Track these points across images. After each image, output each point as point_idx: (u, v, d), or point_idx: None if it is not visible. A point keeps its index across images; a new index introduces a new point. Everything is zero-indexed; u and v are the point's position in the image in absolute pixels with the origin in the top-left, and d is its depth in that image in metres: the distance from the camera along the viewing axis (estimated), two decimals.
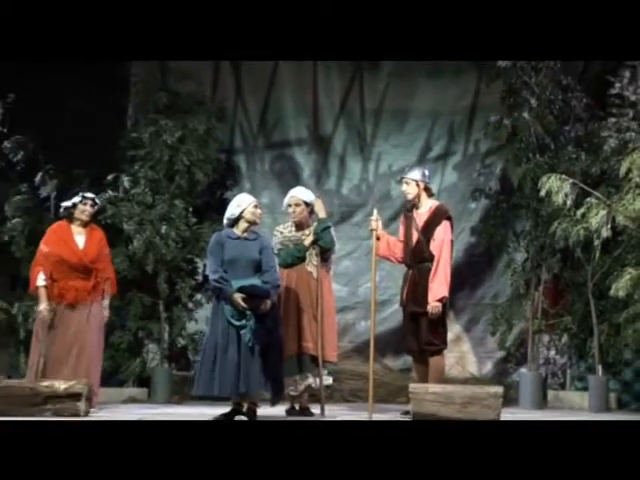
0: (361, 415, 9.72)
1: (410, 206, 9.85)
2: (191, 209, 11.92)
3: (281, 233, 9.87)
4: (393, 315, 12.52)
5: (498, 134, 11.94)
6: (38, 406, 9.37)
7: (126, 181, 11.79)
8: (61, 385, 9.50)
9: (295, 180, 12.69)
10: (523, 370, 11.85)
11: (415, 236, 9.71)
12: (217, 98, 12.87)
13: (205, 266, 12.20)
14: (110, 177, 11.78)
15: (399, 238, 9.92)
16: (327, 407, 9.81)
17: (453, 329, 12.64)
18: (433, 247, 9.60)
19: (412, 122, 13.03)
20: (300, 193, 9.88)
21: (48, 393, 9.43)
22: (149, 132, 11.91)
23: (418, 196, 9.77)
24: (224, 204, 12.43)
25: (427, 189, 9.81)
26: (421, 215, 9.74)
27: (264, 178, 13.00)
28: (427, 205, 9.75)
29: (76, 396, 9.47)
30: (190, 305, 12.04)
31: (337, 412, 10.09)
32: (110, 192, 11.72)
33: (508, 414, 9.53)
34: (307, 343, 9.57)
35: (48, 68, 11.15)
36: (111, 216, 11.55)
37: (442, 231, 9.61)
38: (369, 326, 12.41)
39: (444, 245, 9.60)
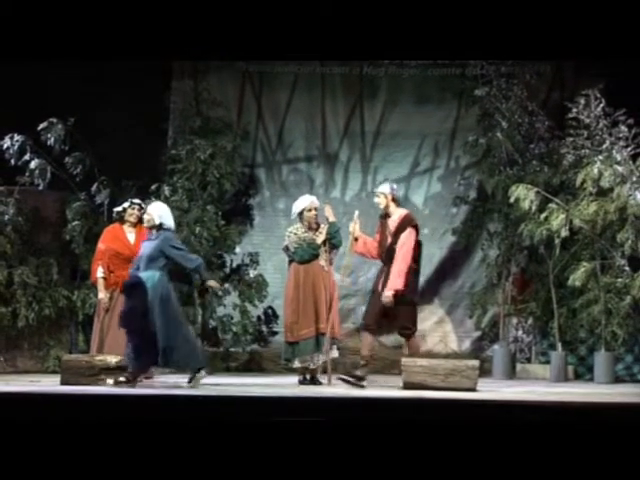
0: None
1: (384, 214, 9.82)
2: (220, 213, 11.89)
3: (295, 234, 9.89)
4: None
5: (475, 151, 11.91)
6: (93, 377, 9.35)
7: (166, 190, 11.76)
8: (112, 359, 9.48)
9: (307, 190, 12.65)
10: (496, 347, 11.79)
11: (388, 239, 9.69)
12: (242, 121, 12.82)
13: (232, 260, 12.27)
14: (153, 187, 11.76)
15: (375, 239, 9.92)
16: (332, 377, 9.77)
17: (437, 313, 12.65)
18: (397, 248, 9.57)
19: (403, 141, 12.96)
20: (309, 201, 10.03)
21: (101, 366, 9.41)
22: (185, 149, 11.88)
23: (387, 206, 9.74)
24: (247, 209, 12.59)
25: (395, 200, 9.79)
26: (392, 222, 9.71)
27: (281, 188, 12.96)
28: (397, 213, 9.72)
29: (125, 368, 9.44)
30: (219, 293, 11.99)
31: (340, 381, 10.02)
32: (153, 199, 11.68)
33: (483, 383, 9.48)
34: (323, 325, 9.69)
35: (103, 94, 11.17)
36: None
37: (406, 236, 9.57)
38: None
39: (405, 247, 9.53)
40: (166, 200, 11.65)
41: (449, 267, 12.68)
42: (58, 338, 11.54)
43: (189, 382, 9.31)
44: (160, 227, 9.32)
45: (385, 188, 9.79)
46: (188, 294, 11.71)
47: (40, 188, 11.37)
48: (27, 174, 11.30)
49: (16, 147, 11.17)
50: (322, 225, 9.94)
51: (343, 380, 9.51)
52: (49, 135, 11.28)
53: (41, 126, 11.25)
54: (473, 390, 8.95)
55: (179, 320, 9.31)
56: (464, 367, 9.15)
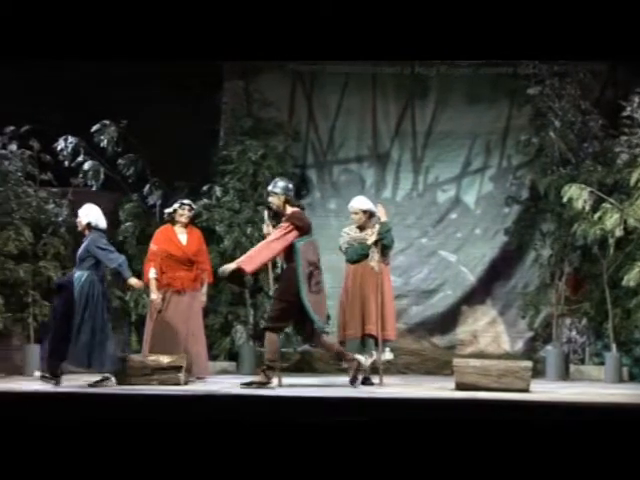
0: (414, 385, 9.67)
1: (278, 214, 9.58)
2: (271, 214, 11.89)
3: (347, 234, 9.92)
4: (440, 301, 12.53)
5: (527, 150, 11.86)
6: (146, 376, 9.43)
7: (218, 191, 11.82)
8: (165, 359, 9.54)
9: (357, 190, 12.66)
10: (549, 347, 11.70)
11: None
12: (293, 122, 12.82)
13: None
14: (205, 188, 11.83)
15: None
16: (384, 378, 9.76)
17: (490, 313, 12.56)
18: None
19: (455, 141, 12.89)
20: (357, 203, 10.05)
21: (154, 366, 9.48)
22: (237, 150, 11.93)
23: (280, 205, 9.45)
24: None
25: (288, 200, 9.44)
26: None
27: (332, 188, 12.94)
28: (288, 212, 9.44)
29: (177, 368, 9.50)
30: (270, 293, 12.00)
31: (392, 382, 10.02)
32: (205, 200, 11.76)
33: (536, 384, 9.40)
34: (371, 326, 9.64)
35: (155, 96, 11.23)
36: (206, 220, 11.59)
37: (280, 227, 9.30)
38: (419, 310, 12.51)
39: (272, 236, 9.28)
40: (218, 201, 11.78)
41: (501, 267, 12.61)
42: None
43: (92, 385, 9.27)
44: (89, 228, 9.50)
45: (278, 188, 9.48)
46: (239, 294, 11.77)
47: (93, 189, 11.46)
48: (81, 175, 11.40)
49: (70, 149, 11.28)
50: (376, 225, 9.89)
51: (245, 385, 9.24)
52: (102, 137, 11.38)
53: (94, 128, 11.35)
54: (526, 391, 8.89)
55: (100, 322, 9.36)
56: (517, 368, 9.10)
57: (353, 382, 9.36)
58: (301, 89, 13.00)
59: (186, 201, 10.33)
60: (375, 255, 9.80)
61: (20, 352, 10.95)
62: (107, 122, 11.35)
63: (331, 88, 12.97)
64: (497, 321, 12.60)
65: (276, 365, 9.32)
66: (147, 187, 11.70)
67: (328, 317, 9.44)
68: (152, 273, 10.05)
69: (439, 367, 11.66)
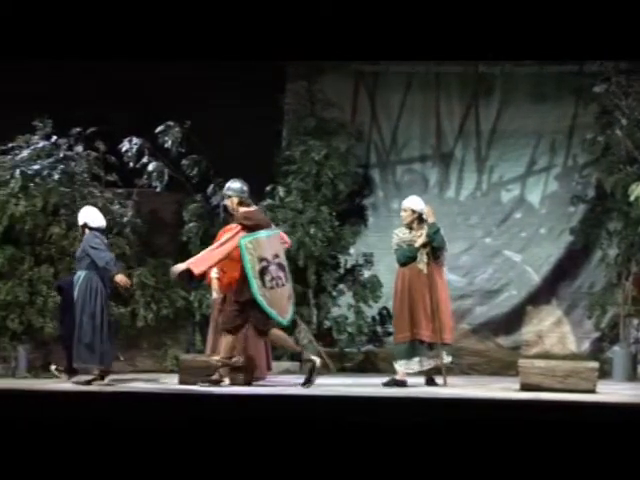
0: (478, 386, 9.61)
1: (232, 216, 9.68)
2: (334, 214, 11.92)
3: (397, 235, 9.82)
4: (504, 301, 12.44)
5: (593, 149, 11.75)
6: (209, 377, 9.44)
7: (281, 191, 11.84)
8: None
9: (421, 190, 12.64)
10: (616, 348, 11.57)
11: None
12: (356, 122, 12.80)
13: (346, 261, 12.28)
14: (268, 188, 11.86)
15: None
16: (448, 379, 9.71)
17: (555, 313, 12.43)
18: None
19: (519, 140, 12.79)
20: (408, 201, 9.95)
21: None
22: (300, 151, 11.95)
23: (234, 207, 9.53)
24: (362, 210, 12.56)
25: (241, 202, 9.50)
26: None
27: (395, 188, 12.90)
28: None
29: (239, 369, 9.52)
30: (334, 293, 12.07)
31: (456, 382, 9.97)
32: (269, 200, 11.79)
33: (603, 385, 9.30)
34: (423, 331, 9.51)
35: (218, 96, 11.27)
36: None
37: (229, 229, 9.48)
38: (484, 310, 12.43)
39: (222, 237, 9.44)
40: (281, 201, 11.80)
41: (567, 267, 12.48)
42: (176, 338, 11.71)
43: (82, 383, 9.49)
44: (85, 228, 9.80)
45: (230, 190, 9.58)
46: (302, 294, 11.79)
47: (158, 190, 11.55)
48: (145, 176, 11.49)
49: (134, 150, 11.36)
50: (425, 227, 9.78)
51: (202, 383, 9.29)
52: (166, 138, 11.45)
53: (158, 129, 11.42)
54: (592, 392, 8.79)
55: (100, 319, 9.59)
56: (583, 369, 9.01)
57: (305, 384, 9.25)
58: (364, 89, 12.99)
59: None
60: (424, 257, 9.64)
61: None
62: (171, 123, 11.42)
63: (394, 88, 12.93)
64: (563, 321, 12.47)
65: (229, 364, 9.41)
66: (211, 187, 11.75)
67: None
68: (213, 273, 10.07)
69: (504, 368, 11.56)
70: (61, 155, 11.15)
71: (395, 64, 12.66)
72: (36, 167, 11.00)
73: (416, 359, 9.53)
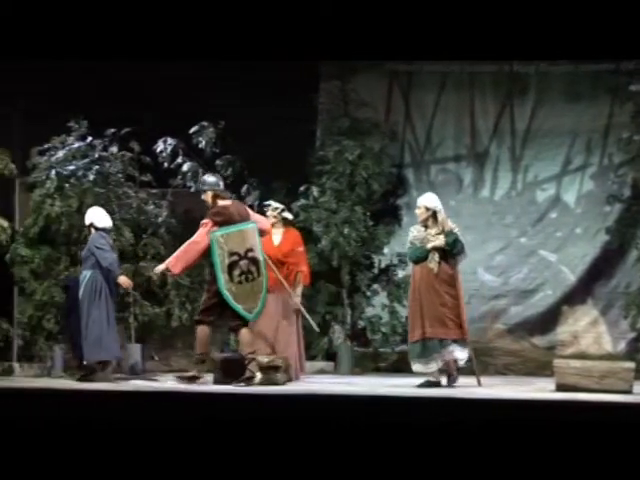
0: (513, 386, 9.57)
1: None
2: (368, 214, 11.91)
3: (412, 233, 9.76)
4: (540, 301, 12.38)
5: (629, 148, 11.71)
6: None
7: (315, 191, 11.85)
8: (264, 359, 9.58)
9: (455, 189, 12.63)
10: None
11: None
12: (390, 122, 12.78)
13: (380, 261, 12.26)
14: (302, 188, 11.88)
15: None
16: (483, 379, 9.67)
17: (591, 313, 12.37)
18: None
19: (554, 139, 12.73)
20: (422, 198, 9.86)
21: None
22: (333, 151, 11.95)
23: (210, 201, 9.69)
24: (396, 210, 12.52)
25: (217, 195, 9.68)
26: None
27: (429, 188, 12.80)
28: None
29: (276, 368, 9.53)
30: (368, 293, 12.05)
31: (491, 382, 9.93)
32: (302, 200, 11.80)
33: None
34: (430, 328, 9.40)
35: (252, 97, 11.28)
36: (303, 220, 11.62)
37: (204, 224, 9.58)
38: (519, 310, 12.38)
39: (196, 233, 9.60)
40: (315, 201, 11.80)
41: (603, 267, 12.41)
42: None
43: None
44: (92, 228, 10.13)
45: (206, 185, 9.77)
46: (336, 294, 11.79)
47: (192, 190, 11.57)
48: (179, 177, 11.51)
49: (169, 150, 11.39)
50: (445, 229, 9.61)
51: (178, 379, 9.50)
52: (200, 138, 11.47)
53: (193, 129, 11.45)
54: (629, 392, 8.73)
55: (106, 316, 9.94)
56: (619, 369, 8.95)
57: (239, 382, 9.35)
58: (398, 89, 12.97)
59: (269, 202, 10.45)
60: (435, 256, 9.51)
61: (122, 351, 11.09)
62: (205, 123, 11.44)
63: (428, 87, 12.91)
64: (598, 321, 12.40)
65: (207, 358, 9.53)
66: (245, 188, 11.75)
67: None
68: None
69: (539, 368, 11.53)
70: (96, 156, 11.21)
71: (429, 63, 12.63)
72: (71, 168, 11.06)
73: (431, 357, 9.43)
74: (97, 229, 10.12)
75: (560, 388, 8.93)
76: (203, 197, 9.82)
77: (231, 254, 9.43)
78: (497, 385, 9.85)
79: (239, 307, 9.42)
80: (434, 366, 9.47)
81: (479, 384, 9.58)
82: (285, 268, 10.24)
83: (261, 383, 9.35)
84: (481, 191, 12.83)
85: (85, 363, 10.09)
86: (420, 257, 9.57)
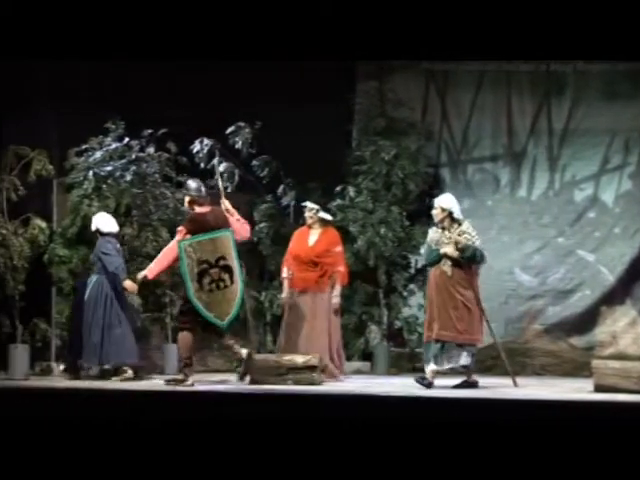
0: (550, 386, 9.53)
1: None
2: (405, 214, 11.88)
3: (429, 234, 9.68)
4: (578, 301, 12.28)
5: None
6: (281, 376, 9.50)
7: (351, 191, 11.84)
8: (300, 359, 9.60)
9: (492, 189, 12.58)
10: None
11: None
12: (426, 121, 12.74)
13: (417, 261, 12.22)
14: (338, 188, 11.87)
15: None
16: (520, 380, 9.62)
17: (630, 314, 12.23)
18: None
19: (592, 139, 12.65)
20: (439, 199, 9.78)
21: (289, 365, 9.56)
22: (370, 151, 11.93)
23: (188, 208, 9.82)
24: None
25: (192, 201, 9.72)
26: None
27: (466, 187, 12.82)
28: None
29: (312, 368, 9.54)
30: (405, 293, 12.02)
31: (529, 383, 9.88)
32: (339, 200, 11.79)
33: None
34: (441, 330, 9.28)
35: (289, 97, 11.28)
36: (340, 220, 11.59)
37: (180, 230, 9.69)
38: (557, 311, 12.30)
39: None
40: (351, 201, 11.79)
41: None
42: (247, 338, 11.74)
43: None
44: (98, 234, 10.33)
45: (185, 190, 9.92)
46: (373, 295, 11.77)
47: (228, 191, 11.58)
48: (216, 177, 11.53)
49: (205, 151, 11.41)
50: (462, 232, 9.49)
51: (167, 383, 9.53)
52: (237, 139, 11.49)
53: (229, 130, 11.47)
54: None
55: (109, 320, 10.11)
56: None
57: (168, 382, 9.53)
58: (434, 88, 12.93)
59: (305, 203, 10.47)
60: (448, 260, 9.39)
61: (159, 351, 11.15)
62: (242, 124, 11.46)
63: (465, 86, 12.85)
64: (637, 321, 12.29)
65: (191, 362, 9.55)
66: (281, 188, 11.79)
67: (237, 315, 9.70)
68: (283, 273, 10.39)
69: (577, 369, 11.44)
70: (133, 156, 11.26)
71: (466, 63, 12.58)
72: (109, 168, 11.12)
73: (443, 358, 9.32)
74: (103, 234, 10.31)
75: (598, 389, 8.87)
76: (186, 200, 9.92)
77: (201, 262, 9.43)
78: (534, 385, 9.79)
79: (210, 315, 9.42)
80: (445, 366, 9.36)
81: (515, 384, 9.51)
82: (319, 268, 10.25)
83: (298, 382, 9.36)
84: (518, 191, 12.77)
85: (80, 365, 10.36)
86: (434, 259, 9.50)
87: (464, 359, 9.35)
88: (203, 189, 9.81)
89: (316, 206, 10.52)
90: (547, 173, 12.75)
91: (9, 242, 10.27)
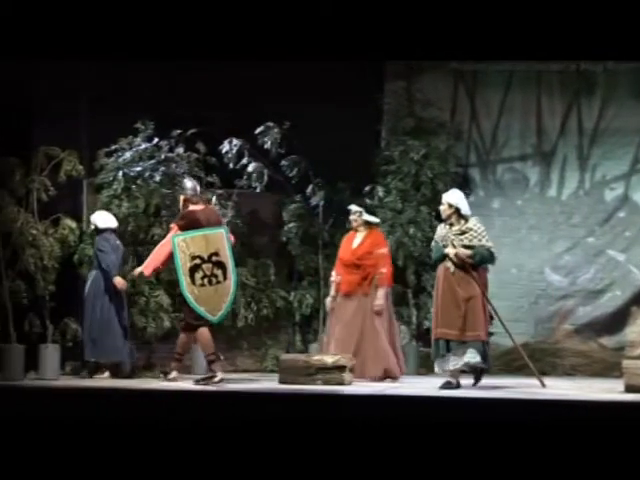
0: (581, 387, 9.48)
1: None
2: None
3: (437, 230, 9.63)
4: (608, 301, 12.21)
5: None
6: (311, 376, 9.49)
7: (380, 191, 11.82)
8: (329, 359, 9.58)
9: (522, 189, 12.53)
10: None
11: None
12: (455, 121, 12.71)
13: None
14: (367, 188, 11.85)
15: None
16: (550, 380, 9.57)
17: None
18: None
19: (623, 138, 12.58)
20: (446, 195, 9.71)
21: (319, 365, 9.54)
22: (399, 151, 11.92)
23: (182, 206, 10.00)
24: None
25: (186, 200, 9.94)
26: None
27: (495, 187, 12.78)
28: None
29: (341, 368, 9.51)
30: (433, 293, 11.96)
31: (559, 384, 9.83)
32: (367, 200, 11.76)
33: None
34: (446, 329, 9.20)
35: (317, 97, 11.28)
36: None
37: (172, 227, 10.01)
38: (587, 311, 12.23)
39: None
40: (380, 201, 11.77)
41: None
42: (276, 338, 11.78)
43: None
44: (96, 231, 10.59)
45: (180, 189, 10.22)
46: (402, 295, 11.75)
47: (257, 191, 11.61)
48: (245, 177, 11.55)
49: (234, 151, 11.44)
50: (468, 229, 9.41)
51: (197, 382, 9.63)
52: (266, 139, 11.50)
53: (258, 130, 11.49)
54: None
55: (103, 318, 10.35)
56: None
57: (198, 382, 9.62)
58: (463, 88, 12.90)
59: (350, 206, 10.47)
60: (453, 257, 9.31)
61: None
62: (271, 124, 11.47)
63: (494, 86, 12.81)
64: None
65: (217, 357, 9.74)
66: (310, 188, 11.78)
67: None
68: (332, 276, 10.42)
69: (607, 369, 11.39)
70: (162, 157, 11.29)
71: (495, 62, 12.54)
72: (138, 169, 11.16)
73: (448, 357, 9.23)
74: (99, 231, 10.55)
75: (629, 389, 8.82)
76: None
77: (193, 257, 9.65)
78: (564, 386, 9.74)
79: (201, 309, 9.62)
80: (449, 366, 9.25)
81: (542, 385, 9.42)
82: (362, 271, 10.18)
83: (327, 383, 9.35)
84: (548, 190, 12.71)
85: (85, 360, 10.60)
86: (439, 257, 9.47)
87: (469, 356, 9.19)
88: (198, 188, 10.08)
89: (360, 209, 10.49)
90: (577, 173, 12.69)
91: (39, 242, 10.31)
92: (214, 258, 9.68)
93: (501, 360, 11.18)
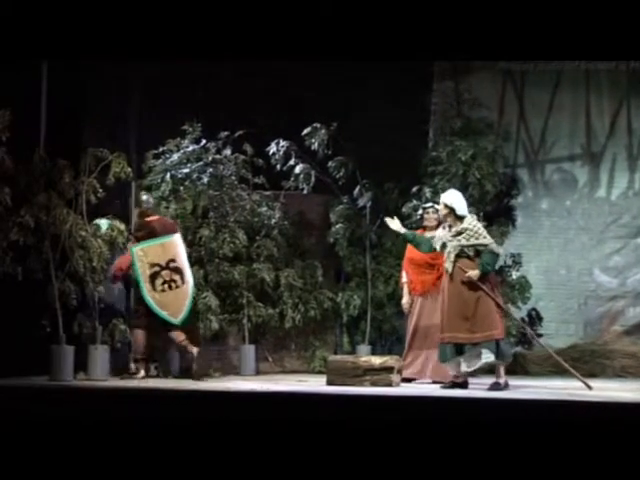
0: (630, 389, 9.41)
1: None
2: (482, 214, 11.78)
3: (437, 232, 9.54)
4: None
5: None
6: (358, 377, 9.46)
7: (428, 192, 11.76)
8: (377, 360, 9.56)
9: (571, 189, 12.47)
10: None
11: None
12: (503, 122, 12.68)
13: None
14: (414, 189, 11.81)
15: None
16: (599, 382, 9.49)
17: None
18: None
19: None
20: (443, 195, 9.57)
21: (366, 366, 9.50)
22: (446, 151, 11.86)
23: (137, 218, 10.57)
24: (509, 210, 12.33)
25: (141, 213, 10.46)
26: None
27: (544, 188, 12.74)
28: None
29: (389, 369, 9.49)
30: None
31: (610, 385, 9.75)
32: (415, 201, 11.73)
33: None
34: (452, 332, 9.06)
35: (364, 98, 11.29)
36: (416, 221, 11.53)
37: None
38: (637, 312, 12.14)
39: None
40: (427, 202, 11.72)
41: None
42: (323, 339, 11.78)
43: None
44: None
45: (141, 202, 10.52)
46: None
47: (305, 192, 11.62)
48: (292, 179, 11.57)
49: (282, 152, 11.47)
50: (463, 229, 9.21)
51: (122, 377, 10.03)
52: (313, 140, 11.51)
53: (305, 131, 11.50)
54: None
55: None
56: None
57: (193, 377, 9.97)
58: (511, 88, 12.88)
59: (427, 205, 10.39)
60: (450, 256, 9.13)
61: (236, 352, 11.23)
62: (318, 125, 11.47)
63: (542, 86, 12.79)
64: None
65: (146, 359, 10.22)
66: (357, 189, 11.78)
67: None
68: (403, 278, 10.36)
69: None
70: (210, 158, 11.33)
71: (543, 62, 12.49)
72: (186, 170, 11.22)
73: (460, 360, 9.12)
74: None
75: None
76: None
77: (152, 265, 10.20)
78: (613, 387, 9.65)
79: (164, 313, 10.11)
80: (463, 368, 9.15)
81: (588, 387, 9.28)
82: (436, 270, 10.00)
83: (374, 384, 9.33)
84: (597, 191, 12.66)
85: None
86: (418, 241, 9.58)
87: (486, 357, 9.05)
88: (151, 200, 10.56)
89: (438, 207, 10.39)
90: (627, 173, 12.64)
91: (88, 244, 10.35)
92: (171, 264, 10.24)
93: (549, 362, 11.12)
